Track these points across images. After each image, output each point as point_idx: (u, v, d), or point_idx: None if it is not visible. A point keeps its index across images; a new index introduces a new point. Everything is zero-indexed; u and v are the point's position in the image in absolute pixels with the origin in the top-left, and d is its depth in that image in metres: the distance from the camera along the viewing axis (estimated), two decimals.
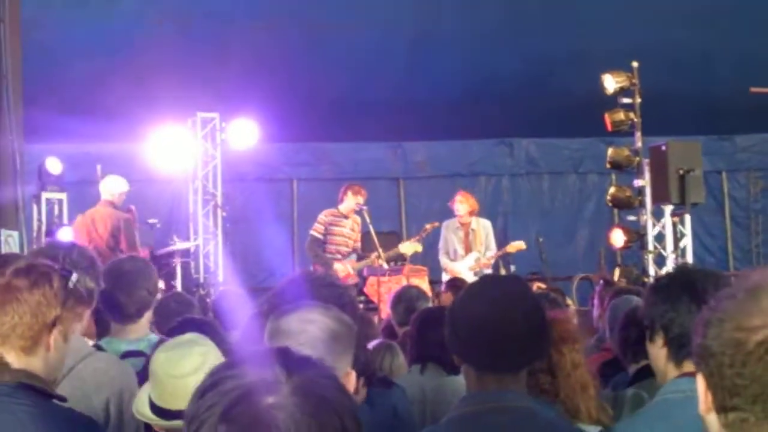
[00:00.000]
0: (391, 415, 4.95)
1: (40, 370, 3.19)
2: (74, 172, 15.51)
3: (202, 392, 1.64)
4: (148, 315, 4.97)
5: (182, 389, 3.30)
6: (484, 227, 14.00)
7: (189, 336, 3.65)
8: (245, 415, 1.56)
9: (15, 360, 3.12)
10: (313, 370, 1.69)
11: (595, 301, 8.36)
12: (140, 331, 4.87)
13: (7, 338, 3.10)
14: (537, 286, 12.48)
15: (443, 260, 13.91)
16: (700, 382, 1.89)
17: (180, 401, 3.15)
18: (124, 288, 4.88)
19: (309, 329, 3.11)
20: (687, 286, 3.29)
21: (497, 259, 14.18)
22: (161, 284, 12.77)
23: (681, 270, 3.49)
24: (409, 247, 13.31)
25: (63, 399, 3.24)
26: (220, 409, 1.58)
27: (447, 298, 9.31)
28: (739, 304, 1.82)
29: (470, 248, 13.81)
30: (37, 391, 3.11)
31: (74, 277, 3.40)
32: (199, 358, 3.45)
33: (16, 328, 3.09)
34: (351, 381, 3.13)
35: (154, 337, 4.89)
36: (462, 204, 13.78)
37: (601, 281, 8.90)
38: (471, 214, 13.85)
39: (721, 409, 1.83)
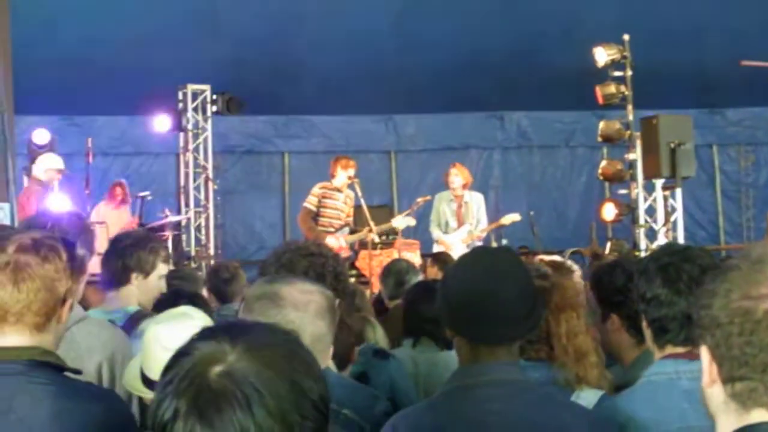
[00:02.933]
0: (389, 388, 4.96)
1: (51, 344, 3.18)
2: (65, 145, 15.47)
3: (164, 372, 1.69)
4: (129, 287, 4.91)
5: None
6: (476, 200, 13.99)
7: (183, 309, 3.64)
8: (194, 388, 1.60)
9: (28, 338, 3.10)
10: (259, 334, 1.71)
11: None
12: (120, 302, 4.83)
13: (22, 317, 3.08)
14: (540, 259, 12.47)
15: (435, 232, 13.88)
16: (704, 355, 1.89)
17: None
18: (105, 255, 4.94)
19: (315, 299, 3.14)
20: (661, 269, 3.30)
21: (490, 232, 14.18)
22: None
23: (663, 250, 3.49)
24: (401, 222, 13.29)
25: (78, 372, 3.23)
26: (174, 385, 1.63)
27: (432, 272, 9.30)
28: (745, 275, 1.83)
29: (463, 221, 13.80)
30: (52, 367, 3.10)
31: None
32: (193, 330, 3.44)
33: (31, 306, 3.08)
34: (329, 354, 3.15)
35: (132, 308, 4.85)
36: (457, 176, 13.74)
37: (590, 256, 8.89)
38: (465, 186, 13.83)
39: (729, 379, 1.84)
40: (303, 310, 3.09)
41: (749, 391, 1.81)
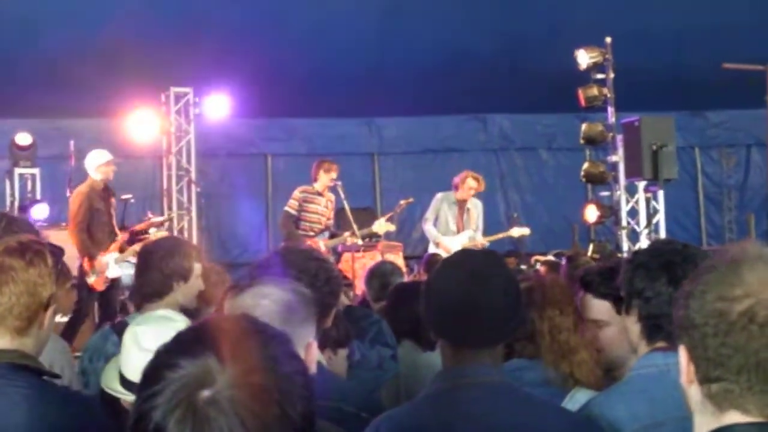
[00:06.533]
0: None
1: (32, 348, 3.18)
2: (47, 148, 15.44)
3: (144, 380, 1.66)
4: (173, 297, 4.93)
5: None
6: (477, 207, 13.97)
7: (163, 312, 3.66)
8: (181, 410, 1.58)
9: (8, 341, 3.10)
10: (251, 354, 1.66)
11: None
12: (158, 309, 4.84)
13: (3, 320, 3.08)
14: (535, 259, 12.50)
15: (433, 231, 13.74)
16: (683, 354, 1.90)
17: None
18: (140, 267, 5.04)
19: (263, 303, 3.13)
20: (666, 267, 3.27)
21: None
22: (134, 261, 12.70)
23: (662, 247, 3.45)
24: (382, 227, 13.25)
25: (57, 377, 3.23)
26: (161, 399, 1.60)
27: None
28: (720, 276, 1.85)
29: (464, 226, 13.76)
30: (30, 370, 3.09)
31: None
32: (172, 333, 3.43)
33: (12, 309, 3.08)
34: (312, 352, 3.14)
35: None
36: (472, 189, 13.69)
37: (564, 259, 8.88)
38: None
39: (705, 380, 1.85)
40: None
41: (724, 392, 1.83)
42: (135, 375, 3.39)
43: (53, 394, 3.11)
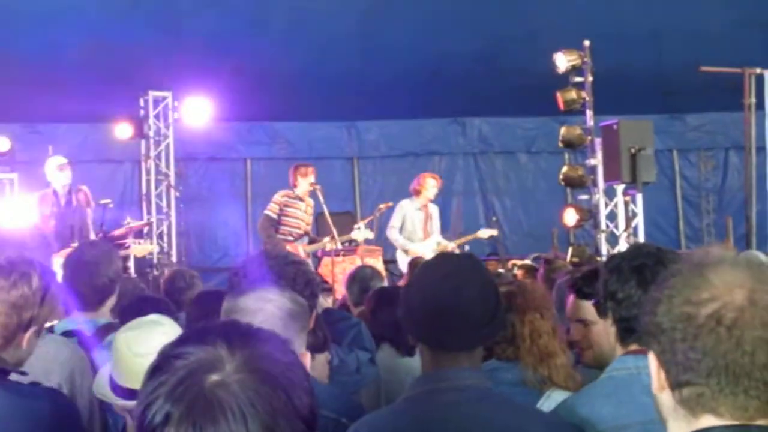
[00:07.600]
0: None
1: (8, 363, 3.18)
2: (25, 152, 15.38)
3: (151, 372, 1.66)
4: (111, 300, 4.95)
5: (144, 368, 3.30)
6: (436, 211, 14.03)
7: (152, 316, 3.67)
8: (190, 395, 1.58)
9: None
10: (258, 344, 1.69)
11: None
12: (99, 317, 4.83)
13: None
14: (513, 263, 12.55)
15: (400, 239, 13.73)
16: (652, 361, 1.91)
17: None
18: (84, 278, 4.92)
19: (266, 308, 3.16)
20: (637, 270, 3.31)
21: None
22: None
23: (636, 251, 3.50)
24: (361, 234, 13.23)
25: (24, 374, 3.23)
26: (167, 389, 1.60)
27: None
28: (686, 280, 1.85)
29: (429, 231, 13.77)
30: None
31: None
32: (163, 337, 3.44)
33: None
34: (305, 362, 3.16)
35: (103, 320, 4.85)
36: (435, 188, 13.74)
37: (542, 262, 8.92)
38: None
39: (676, 385, 1.85)
40: (250, 317, 3.10)
41: (696, 396, 1.83)
42: (127, 380, 3.41)
43: (18, 390, 3.14)
